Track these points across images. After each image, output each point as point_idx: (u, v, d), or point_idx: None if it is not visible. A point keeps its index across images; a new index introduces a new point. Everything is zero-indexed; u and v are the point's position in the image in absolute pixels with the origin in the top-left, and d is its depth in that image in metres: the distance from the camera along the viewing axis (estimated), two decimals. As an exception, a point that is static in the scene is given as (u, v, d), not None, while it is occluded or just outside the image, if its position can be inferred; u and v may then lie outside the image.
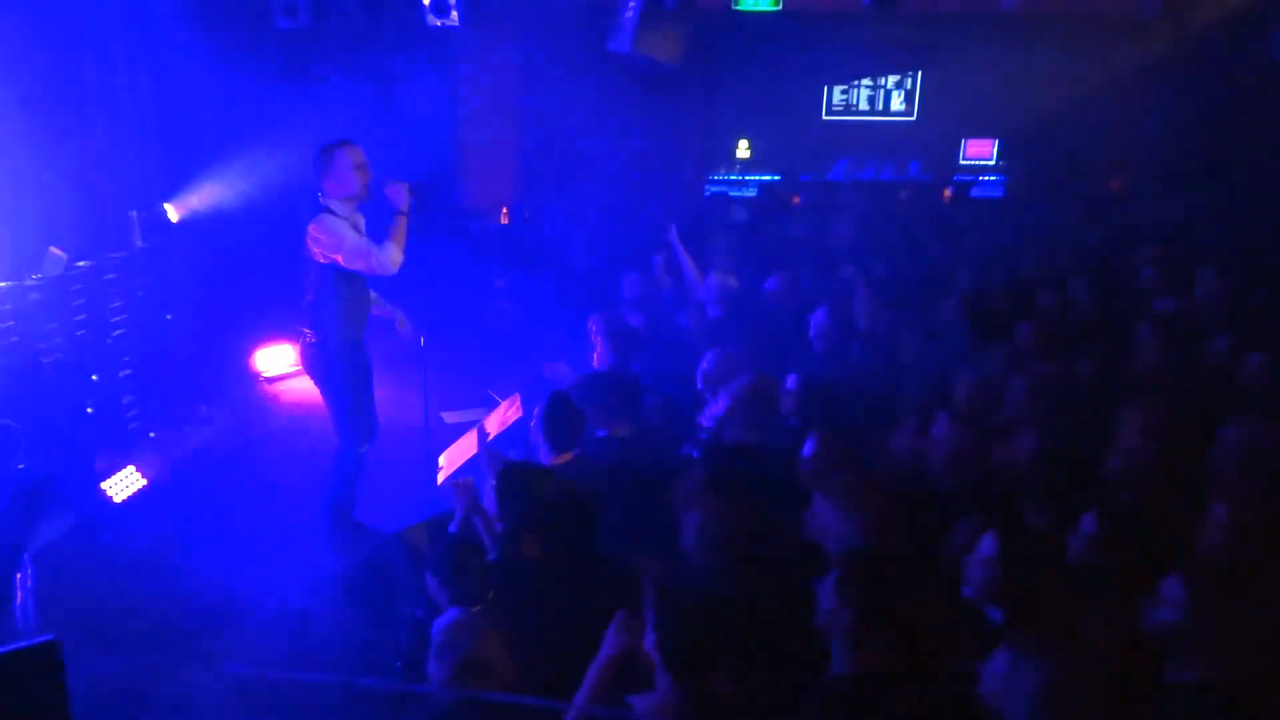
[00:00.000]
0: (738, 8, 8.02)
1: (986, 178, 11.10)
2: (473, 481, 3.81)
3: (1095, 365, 5.27)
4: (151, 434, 6.33)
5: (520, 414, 5.39)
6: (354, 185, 4.78)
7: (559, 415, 4.04)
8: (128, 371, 6.40)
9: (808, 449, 3.69)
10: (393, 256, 4.73)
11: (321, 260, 4.77)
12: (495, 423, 5.39)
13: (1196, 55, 8.24)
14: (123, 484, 5.72)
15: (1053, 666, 2.38)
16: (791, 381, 4.38)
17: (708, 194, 10.57)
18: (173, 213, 7.05)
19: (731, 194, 10.37)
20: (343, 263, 4.73)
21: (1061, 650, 2.47)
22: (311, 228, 4.74)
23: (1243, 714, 2.56)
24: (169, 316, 6.85)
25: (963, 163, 11.19)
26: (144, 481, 5.84)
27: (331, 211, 4.77)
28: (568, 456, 4.05)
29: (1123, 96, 9.27)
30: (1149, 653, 2.72)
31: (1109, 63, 8.89)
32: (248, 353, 7.66)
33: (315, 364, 5.00)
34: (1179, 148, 9.03)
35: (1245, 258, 7.11)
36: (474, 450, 5.28)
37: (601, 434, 4.37)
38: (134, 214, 6.79)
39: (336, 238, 4.69)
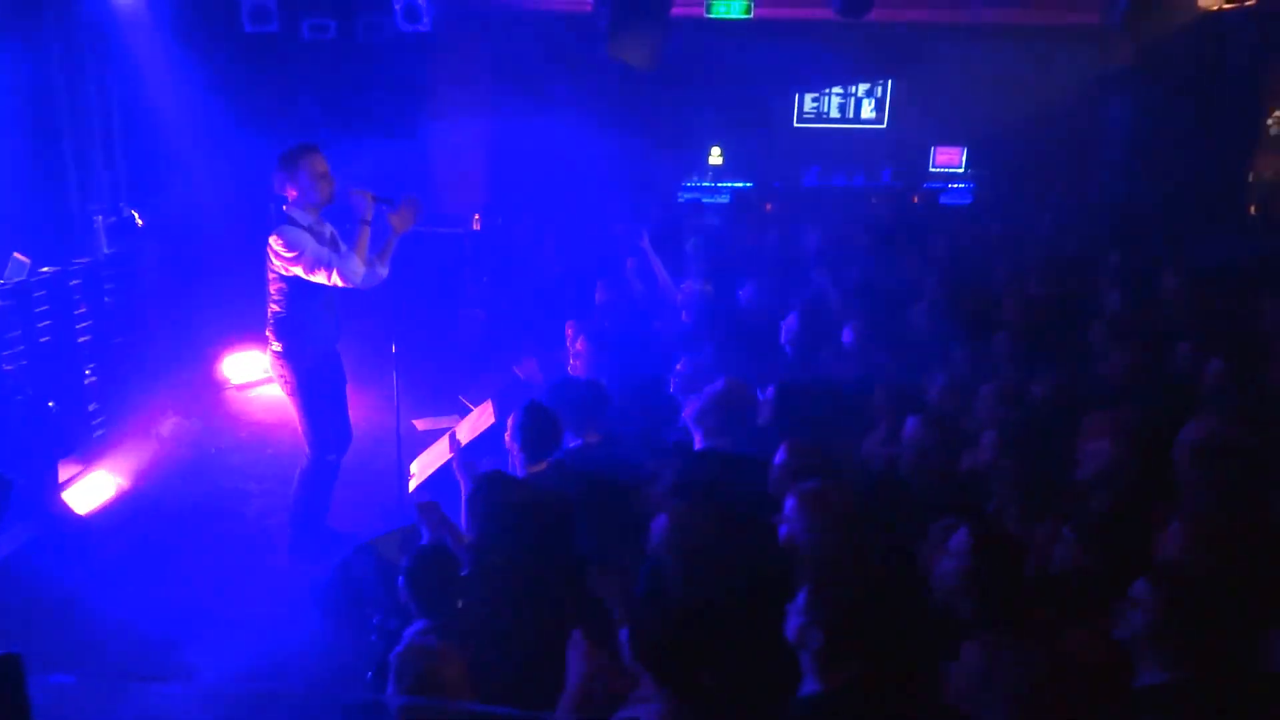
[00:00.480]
0: (710, 15, 8.05)
1: (955, 185, 11.24)
2: (436, 504, 3.76)
3: (1061, 370, 5.33)
4: (116, 441, 6.24)
5: (493, 420, 5.36)
6: (316, 194, 4.68)
7: (536, 425, 4.02)
8: (94, 379, 6.31)
9: (778, 457, 3.70)
10: (355, 268, 4.64)
11: (283, 272, 4.69)
12: (467, 430, 5.36)
13: (1157, 64, 8.38)
14: (86, 494, 5.63)
15: (1024, 668, 2.40)
16: (769, 391, 4.40)
17: (681, 200, 10.62)
18: (139, 218, 6.95)
19: (705, 200, 10.42)
20: (303, 274, 4.64)
21: (1033, 652, 2.49)
22: (272, 239, 4.64)
23: (1212, 716, 2.59)
24: (136, 325, 6.75)
25: (932, 170, 11.33)
26: (108, 491, 5.75)
27: (293, 221, 4.66)
28: (543, 465, 4.04)
29: (1087, 105, 9.41)
30: (1119, 656, 2.75)
31: (1073, 72, 9.02)
32: (215, 360, 7.57)
33: (285, 375, 4.93)
34: (1141, 154, 9.18)
35: (1204, 261, 7.24)
36: (446, 457, 5.26)
37: (574, 442, 4.36)
38: (99, 219, 6.70)
39: (297, 249, 4.59)
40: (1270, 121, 13.60)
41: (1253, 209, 10.44)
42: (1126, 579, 2.82)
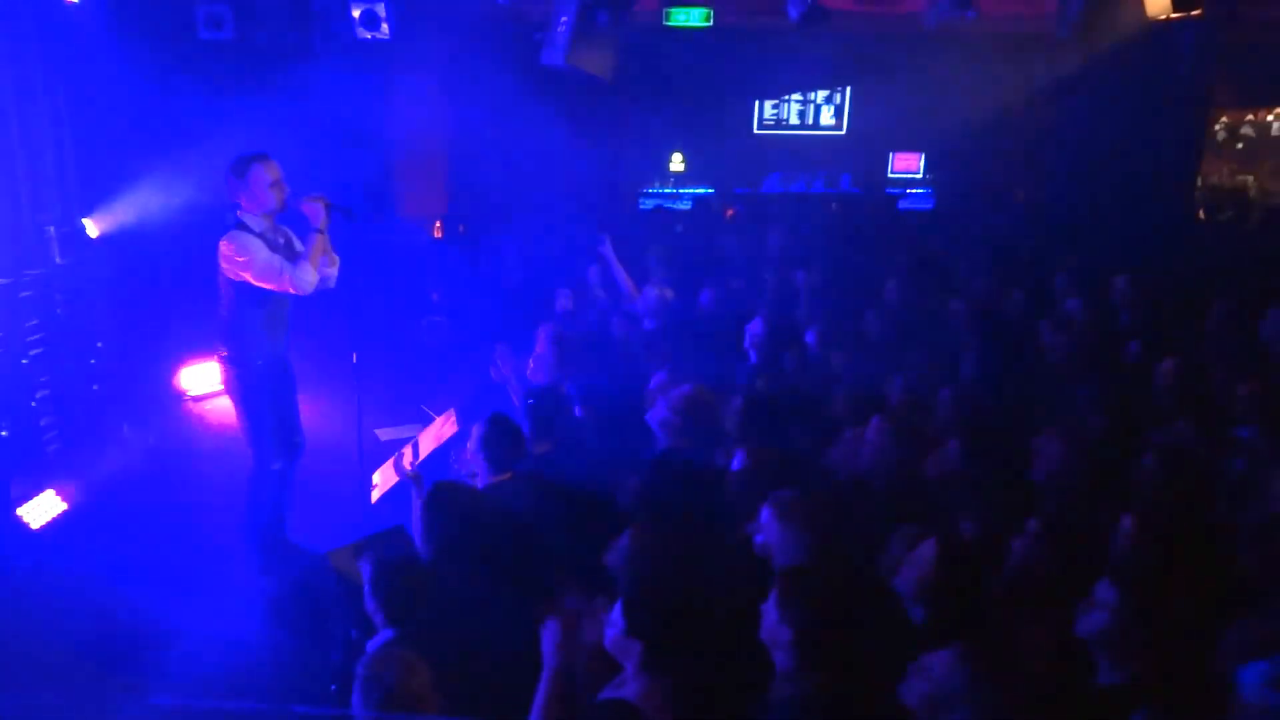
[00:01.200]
0: (669, 24, 8.09)
1: (915, 190, 11.38)
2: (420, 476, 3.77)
3: (1017, 371, 5.42)
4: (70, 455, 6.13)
5: (456, 429, 5.34)
6: (270, 201, 4.67)
7: (500, 435, 4.02)
8: (46, 392, 6.19)
9: (736, 463, 3.73)
10: (307, 276, 4.65)
11: (232, 277, 4.67)
12: (430, 439, 5.33)
13: (1108, 72, 8.56)
14: (40, 509, 5.52)
15: (987, 670, 2.44)
16: (735, 401, 4.43)
17: (643, 207, 10.65)
18: (92, 228, 6.83)
19: (667, 206, 10.46)
20: (252, 280, 4.63)
21: (995, 654, 2.53)
22: (222, 244, 4.63)
23: (1171, 714, 2.64)
24: (89, 337, 6.64)
25: (891, 175, 11.46)
26: (63, 506, 5.65)
27: (245, 227, 4.65)
28: (508, 475, 4.03)
29: (1040, 111, 9.59)
30: (1080, 656, 2.80)
31: (1026, 79, 9.19)
32: (172, 371, 7.46)
33: (229, 380, 4.93)
34: (1093, 159, 9.37)
35: (1155, 263, 7.40)
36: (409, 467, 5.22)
37: (535, 451, 4.36)
38: (51, 230, 6.57)
39: (246, 255, 4.59)
40: (1217, 127, 13.96)
41: (1201, 213, 10.70)
42: (1086, 579, 2.88)
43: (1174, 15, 6.69)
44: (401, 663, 2.73)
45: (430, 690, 2.69)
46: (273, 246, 4.70)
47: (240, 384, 4.88)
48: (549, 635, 2.81)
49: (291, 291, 4.66)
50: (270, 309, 4.81)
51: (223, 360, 4.89)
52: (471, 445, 4.06)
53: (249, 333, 4.80)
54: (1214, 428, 4.55)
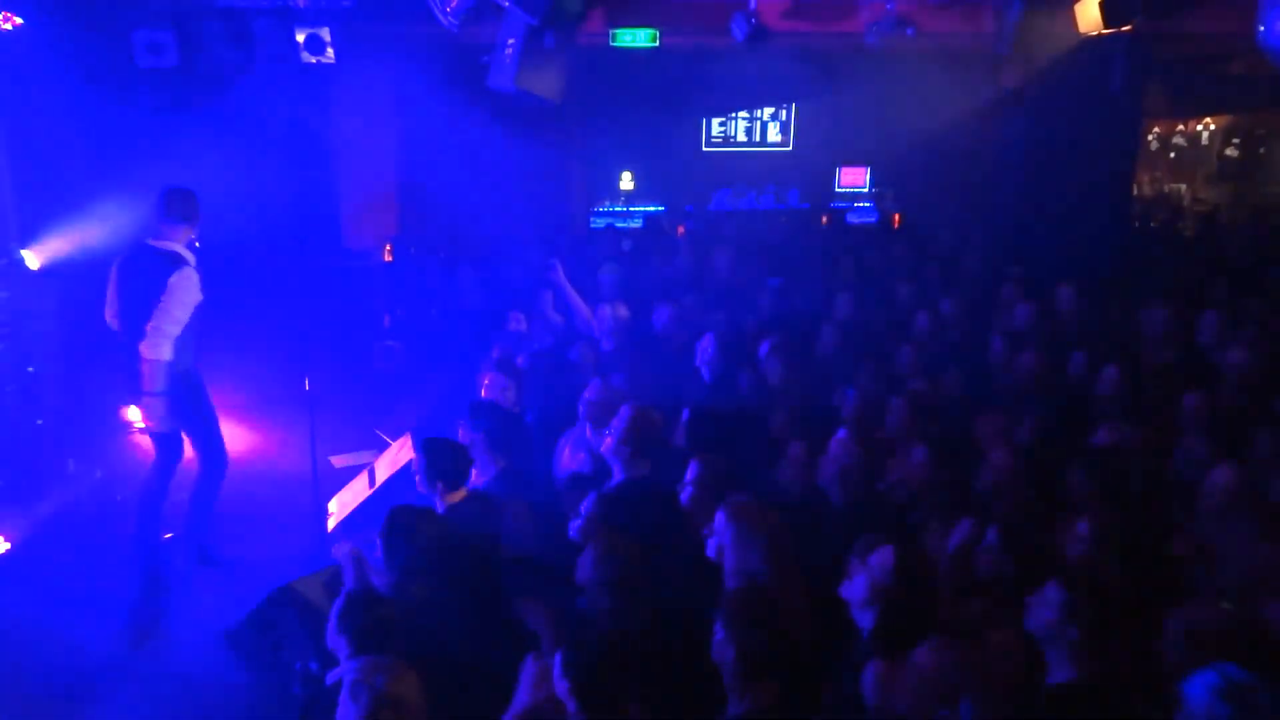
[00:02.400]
0: (616, 44, 8.15)
1: (861, 204, 11.57)
2: (357, 549, 3.71)
3: (964, 383, 5.53)
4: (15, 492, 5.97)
5: (412, 455, 5.29)
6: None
7: (440, 454, 4.01)
8: (-13, 428, 6.03)
9: (690, 473, 3.76)
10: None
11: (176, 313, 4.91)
12: (386, 465, 5.29)
13: (1046, 86, 8.79)
14: (-17, 548, 5.38)
15: (934, 675, 2.48)
16: (684, 414, 4.45)
17: (594, 226, 10.68)
18: (32, 260, 6.68)
19: (617, 225, 10.50)
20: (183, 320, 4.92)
21: (945, 658, 2.58)
22: (184, 278, 4.80)
23: (1119, 712, 2.71)
24: (30, 369, 6.48)
25: (838, 190, 11.64)
26: (5, 545, 5.50)
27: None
28: (462, 494, 4.01)
29: (982, 124, 9.80)
30: (1030, 657, 2.86)
31: (967, 93, 9.39)
32: (118, 403, 7.31)
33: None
34: (1034, 171, 9.59)
35: (1095, 271, 7.60)
36: (365, 494, 5.17)
37: (492, 470, 4.35)
38: (-11, 262, 6.43)
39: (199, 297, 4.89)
40: (1150, 138, 14.38)
41: (1136, 221, 11.01)
42: (1036, 579, 2.95)
43: (1105, 30, 6.89)
44: (391, 669, 2.71)
45: (419, 697, 2.68)
46: None
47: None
48: (526, 674, 2.80)
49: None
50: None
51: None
52: (419, 477, 4.03)
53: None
54: (1157, 431, 4.68)
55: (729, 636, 2.66)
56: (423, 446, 4.03)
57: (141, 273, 4.96)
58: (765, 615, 2.71)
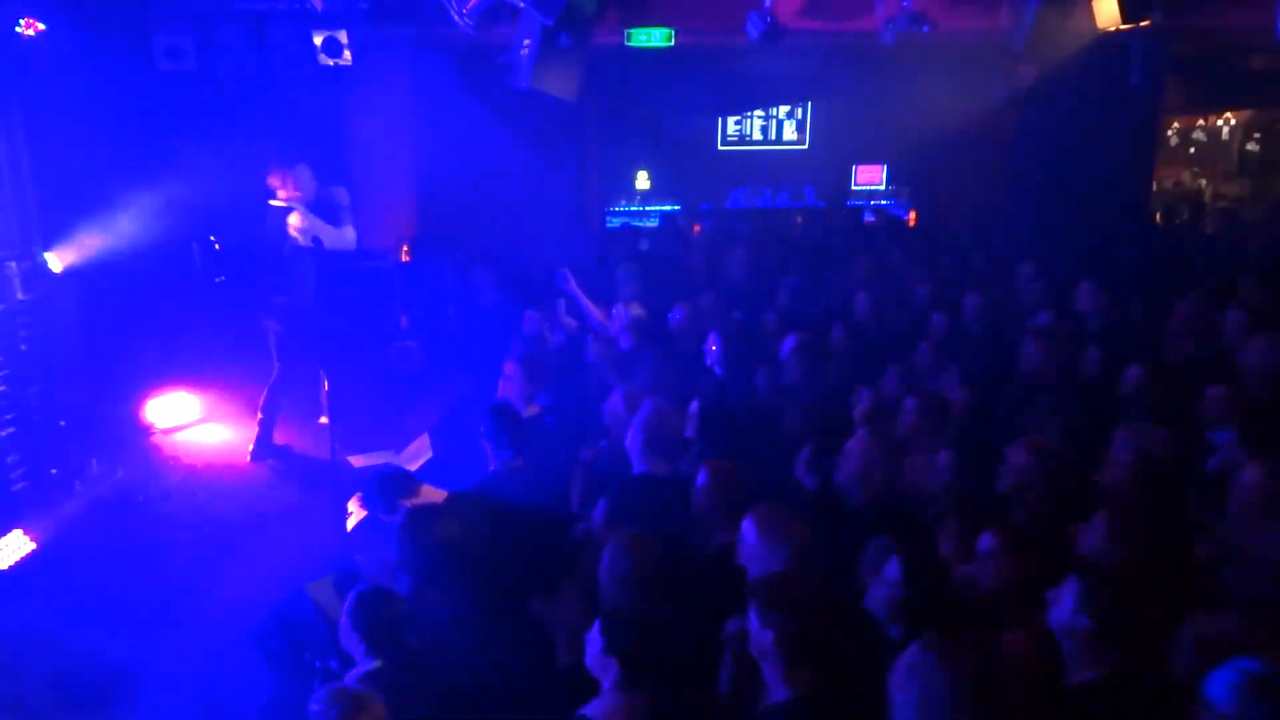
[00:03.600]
0: (631, 44, 8.15)
1: (878, 202, 11.52)
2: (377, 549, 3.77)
3: (985, 382, 5.49)
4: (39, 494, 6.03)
5: (430, 454, 5.31)
6: None
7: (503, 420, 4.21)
8: (11, 430, 6.09)
9: (700, 479, 3.75)
10: None
11: None
12: (406, 464, 5.31)
13: (1063, 82, 8.73)
14: (8, 550, 5.43)
15: (956, 678, 2.47)
16: (693, 408, 4.45)
17: (610, 225, 10.68)
18: (55, 263, 6.74)
19: (634, 224, 10.51)
20: None
21: (964, 662, 2.56)
22: None
23: (1138, 713, 2.69)
24: (55, 373, 6.55)
25: (854, 188, 11.59)
26: (31, 545, 5.56)
27: None
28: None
29: (999, 121, 9.75)
30: (1050, 657, 2.84)
31: (984, 91, 9.34)
32: (139, 405, 7.37)
33: None
34: (1052, 168, 9.53)
35: (1116, 267, 7.53)
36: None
37: (498, 467, 4.37)
38: (13, 265, 6.48)
39: None
40: (1170, 133, 14.25)
41: (1157, 217, 10.91)
42: (1050, 584, 2.93)
43: (1123, 26, 6.83)
44: (355, 700, 2.70)
45: None
46: None
47: None
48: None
49: None
50: None
51: None
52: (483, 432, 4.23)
53: None
54: (1184, 430, 4.62)
55: (766, 622, 2.65)
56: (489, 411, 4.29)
57: None
58: (803, 598, 2.71)
